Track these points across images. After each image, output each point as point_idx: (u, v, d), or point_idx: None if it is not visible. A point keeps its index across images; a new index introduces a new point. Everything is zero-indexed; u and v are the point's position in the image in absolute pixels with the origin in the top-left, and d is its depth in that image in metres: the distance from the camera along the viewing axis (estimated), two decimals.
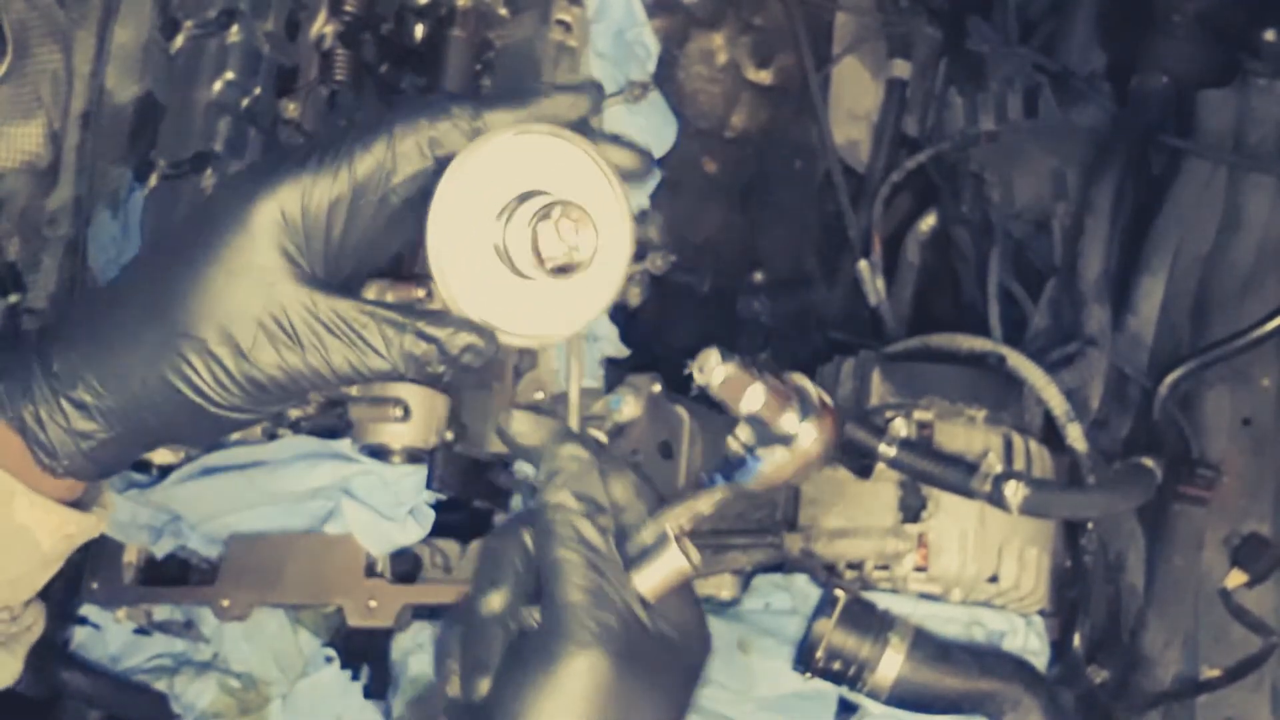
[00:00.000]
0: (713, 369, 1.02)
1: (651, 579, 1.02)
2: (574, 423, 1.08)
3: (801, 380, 1.06)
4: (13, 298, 1.78)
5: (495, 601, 1.02)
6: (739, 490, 1.05)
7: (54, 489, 1.05)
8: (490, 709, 0.98)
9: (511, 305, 1.01)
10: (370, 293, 1.60)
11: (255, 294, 0.99)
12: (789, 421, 1.03)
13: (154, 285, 1.02)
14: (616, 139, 1.08)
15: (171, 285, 1.01)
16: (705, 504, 1.05)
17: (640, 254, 1.71)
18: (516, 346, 1.03)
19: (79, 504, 1.09)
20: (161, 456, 1.61)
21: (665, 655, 1.00)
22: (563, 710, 0.96)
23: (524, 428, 1.05)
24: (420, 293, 1.57)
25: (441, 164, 1.00)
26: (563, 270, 0.99)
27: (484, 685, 1.00)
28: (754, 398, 1.02)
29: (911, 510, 1.66)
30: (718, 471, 1.06)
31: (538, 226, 0.98)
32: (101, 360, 1.02)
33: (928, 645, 1.58)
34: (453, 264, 1.00)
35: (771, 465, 1.03)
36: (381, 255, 1.06)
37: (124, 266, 1.09)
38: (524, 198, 1.00)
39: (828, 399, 1.05)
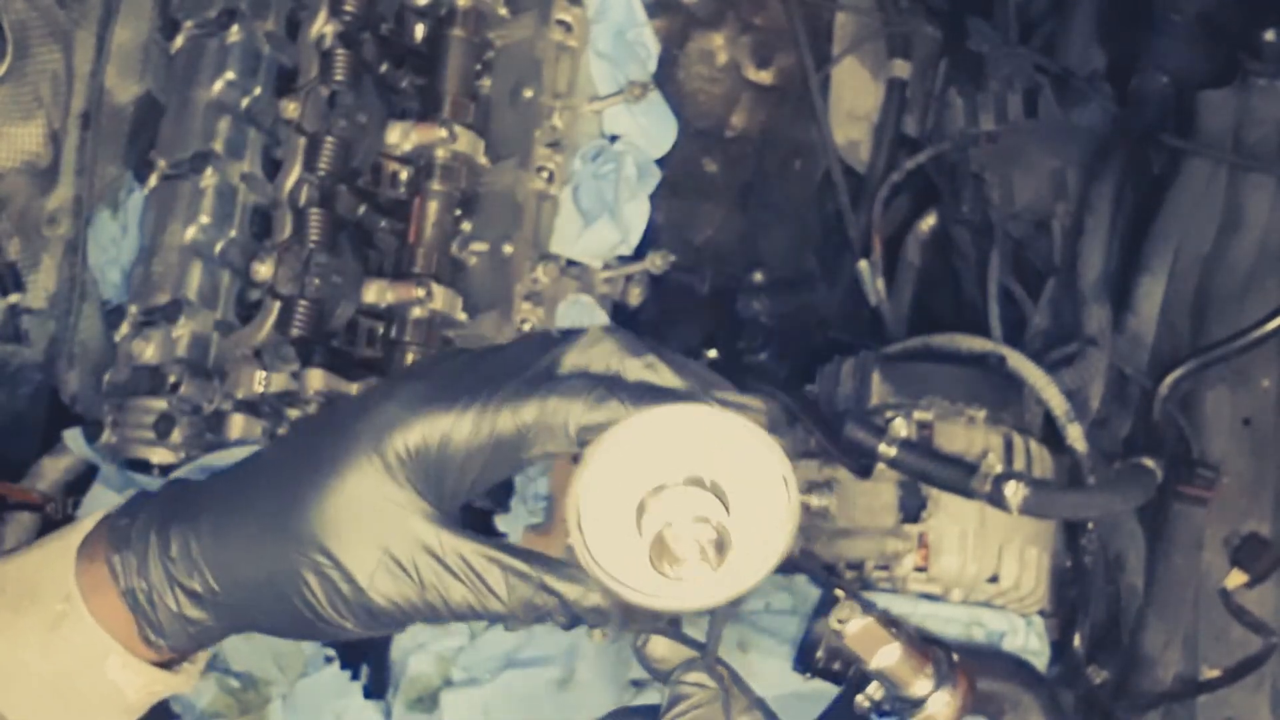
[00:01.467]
0: (848, 620, 1.05)
1: None
2: (712, 651, 1.03)
3: (938, 648, 1.07)
4: (13, 297, 1.78)
5: None
6: None
7: (149, 653, 1.05)
8: None
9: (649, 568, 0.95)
10: (370, 293, 1.60)
11: (382, 526, 0.97)
12: (921, 686, 1.05)
13: (280, 491, 1.00)
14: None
15: (298, 497, 0.99)
16: None
17: (640, 254, 1.71)
18: (648, 608, 0.96)
19: (169, 663, 1.09)
20: (161, 456, 1.61)
21: None
22: None
23: (662, 652, 1.03)
24: (420, 291, 1.57)
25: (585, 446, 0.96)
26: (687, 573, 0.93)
27: None
28: (888, 655, 1.04)
29: (911, 510, 1.66)
30: None
31: (664, 531, 0.93)
32: (220, 558, 1.01)
33: None
34: (592, 524, 0.94)
35: None
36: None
37: (254, 455, 1.06)
38: (665, 487, 0.93)
39: (956, 659, 1.06)
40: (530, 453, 0.98)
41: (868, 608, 1.05)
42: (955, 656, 1.07)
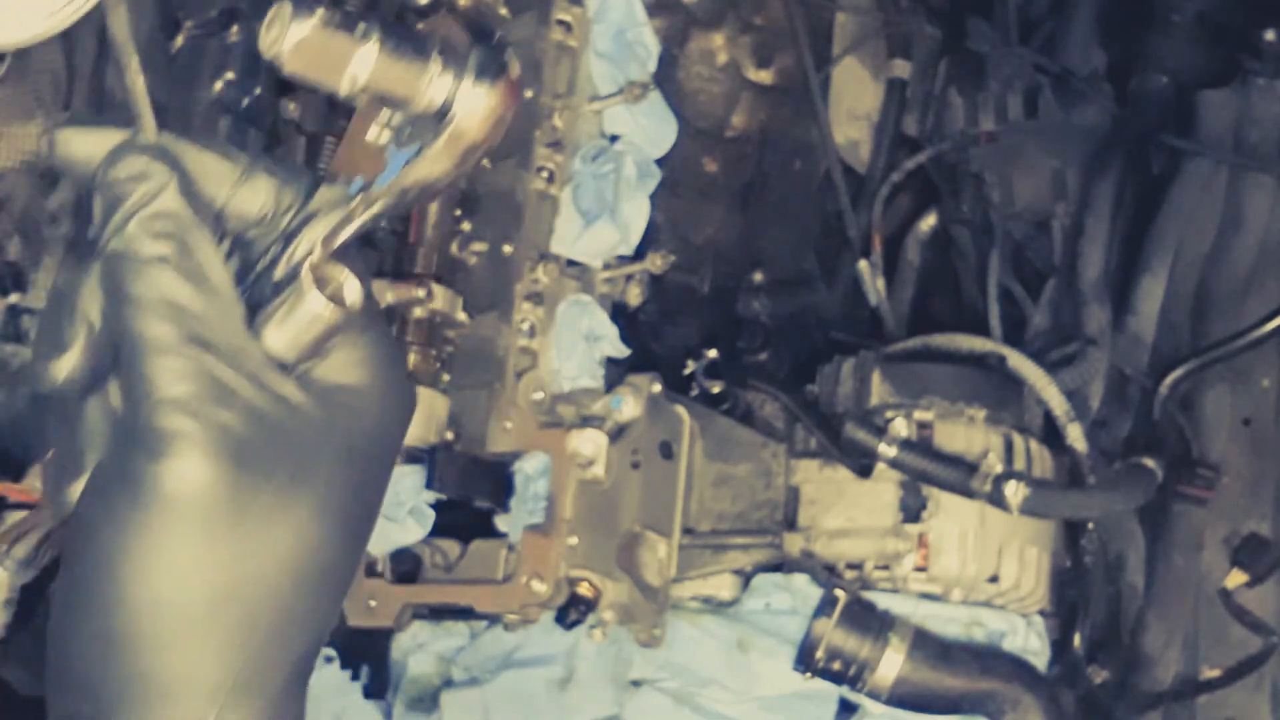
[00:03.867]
0: (280, 33, 0.66)
1: (287, 334, 0.72)
2: (148, 126, 0.73)
3: (449, 32, 0.72)
4: (13, 297, 1.78)
5: (62, 369, 0.73)
6: (394, 194, 0.72)
7: None
8: (71, 547, 0.72)
9: None
10: None
11: None
12: (437, 87, 0.69)
13: None
14: None
15: None
16: (344, 220, 0.72)
17: (640, 254, 1.71)
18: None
19: None
20: None
21: (328, 429, 0.73)
22: (162, 563, 0.68)
23: (78, 145, 0.74)
24: (420, 292, 1.57)
25: None
26: None
27: (75, 492, 0.74)
28: (362, 65, 0.67)
29: (911, 510, 1.66)
30: (358, 169, 0.74)
31: None
32: None
33: (928, 645, 1.59)
34: None
35: (425, 157, 0.70)
36: None
37: None
38: None
39: (505, 55, 0.71)
40: None
41: (303, 4, 0.68)
42: (492, 38, 0.72)
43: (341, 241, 0.72)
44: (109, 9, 0.73)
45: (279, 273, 0.73)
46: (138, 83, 0.73)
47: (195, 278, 0.70)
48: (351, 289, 0.71)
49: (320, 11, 0.66)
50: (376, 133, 0.73)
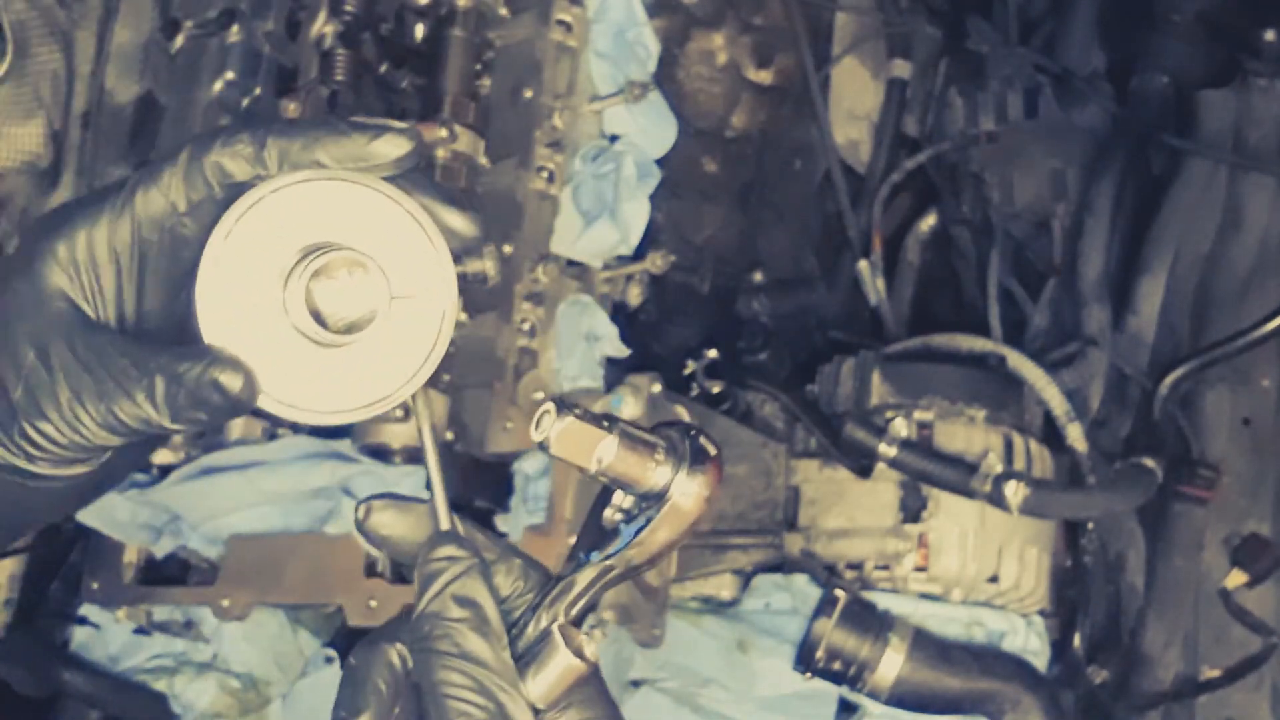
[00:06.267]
0: (548, 426, 0.90)
1: (543, 684, 0.91)
2: (444, 518, 0.95)
3: (671, 429, 0.95)
4: None
5: None
6: (623, 565, 0.93)
7: None
8: None
9: (303, 377, 0.90)
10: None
11: (29, 340, 0.92)
12: (659, 475, 0.91)
13: None
14: (446, 198, 0.94)
15: None
16: (586, 586, 0.93)
17: (640, 254, 1.71)
18: (314, 423, 0.92)
19: None
20: (161, 456, 1.61)
21: None
22: None
23: (388, 521, 0.96)
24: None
25: (231, 195, 0.90)
26: (349, 331, 0.89)
27: None
28: (605, 452, 0.90)
29: (911, 510, 1.66)
30: (593, 547, 0.95)
31: (312, 283, 0.89)
32: None
33: (928, 645, 1.59)
34: (227, 330, 0.88)
35: (648, 531, 0.92)
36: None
37: None
38: (309, 253, 0.89)
39: (709, 445, 0.93)
40: (182, 213, 0.92)
41: (564, 408, 0.91)
42: (698, 433, 0.94)
43: (581, 608, 0.93)
44: (417, 414, 0.99)
45: (526, 638, 0.92)
46: (439, 484, 0.96)
47: (487, 635, 0.90)
48: (590, 648, 0.92)
49: (576, 410, 0.90)
50: (610, 515, 0.95)
